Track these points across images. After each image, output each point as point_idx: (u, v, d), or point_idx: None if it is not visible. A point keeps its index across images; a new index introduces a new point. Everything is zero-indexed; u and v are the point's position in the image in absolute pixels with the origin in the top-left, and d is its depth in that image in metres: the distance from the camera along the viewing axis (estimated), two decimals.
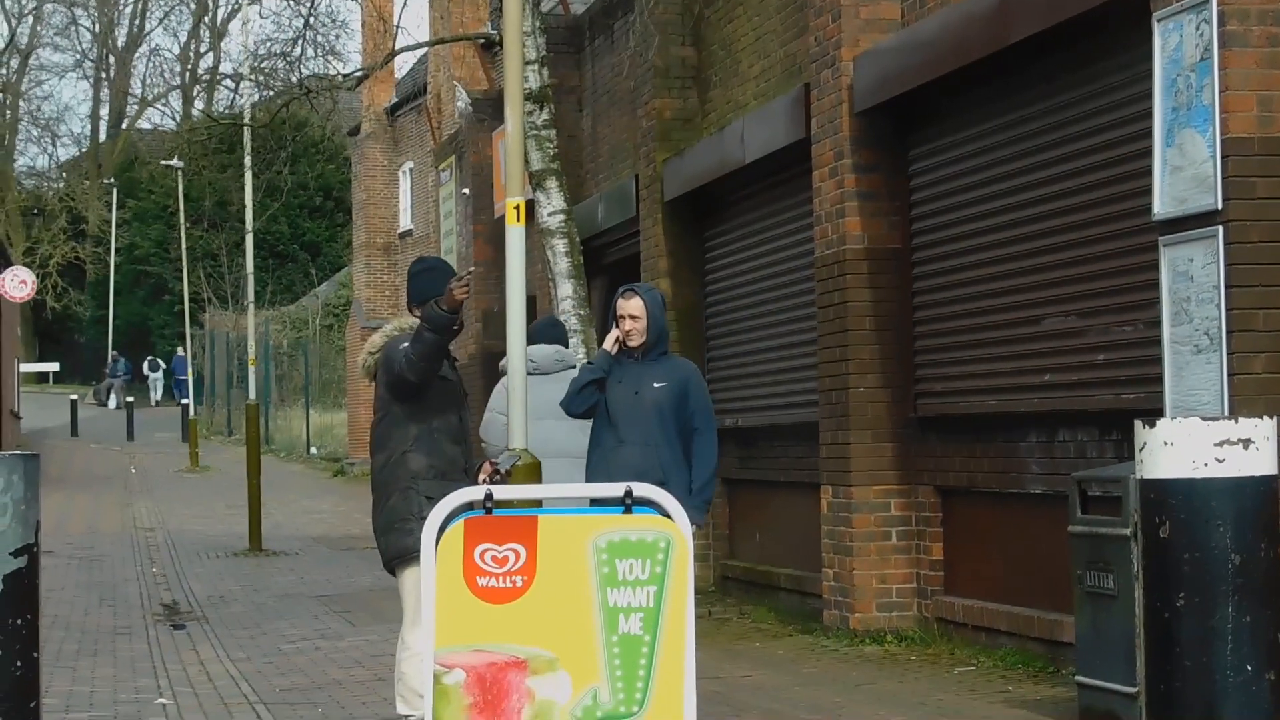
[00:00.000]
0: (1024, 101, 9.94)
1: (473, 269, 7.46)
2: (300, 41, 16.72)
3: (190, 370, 40.96)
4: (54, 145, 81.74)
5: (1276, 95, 7.78)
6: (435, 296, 7.29)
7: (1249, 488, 4.38)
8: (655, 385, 8.16)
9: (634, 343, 8.21)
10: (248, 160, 22.17)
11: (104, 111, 62.91)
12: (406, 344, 7.09)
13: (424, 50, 30.23)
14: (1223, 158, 7.73)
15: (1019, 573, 10.05)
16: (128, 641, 12.15)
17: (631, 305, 8.21)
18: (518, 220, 9.50)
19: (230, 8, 58.20)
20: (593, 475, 8.20)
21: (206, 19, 60.56)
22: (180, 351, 51.73)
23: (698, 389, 8.27)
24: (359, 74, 16.55)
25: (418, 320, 7.35)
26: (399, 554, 7.13)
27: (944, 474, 10.82)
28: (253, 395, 21.88)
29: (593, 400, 8.24)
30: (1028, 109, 9.90)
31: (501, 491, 5.44)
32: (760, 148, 12.96)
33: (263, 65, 22.13)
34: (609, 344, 8.27)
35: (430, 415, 7.23)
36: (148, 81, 65.07)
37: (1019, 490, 9.94)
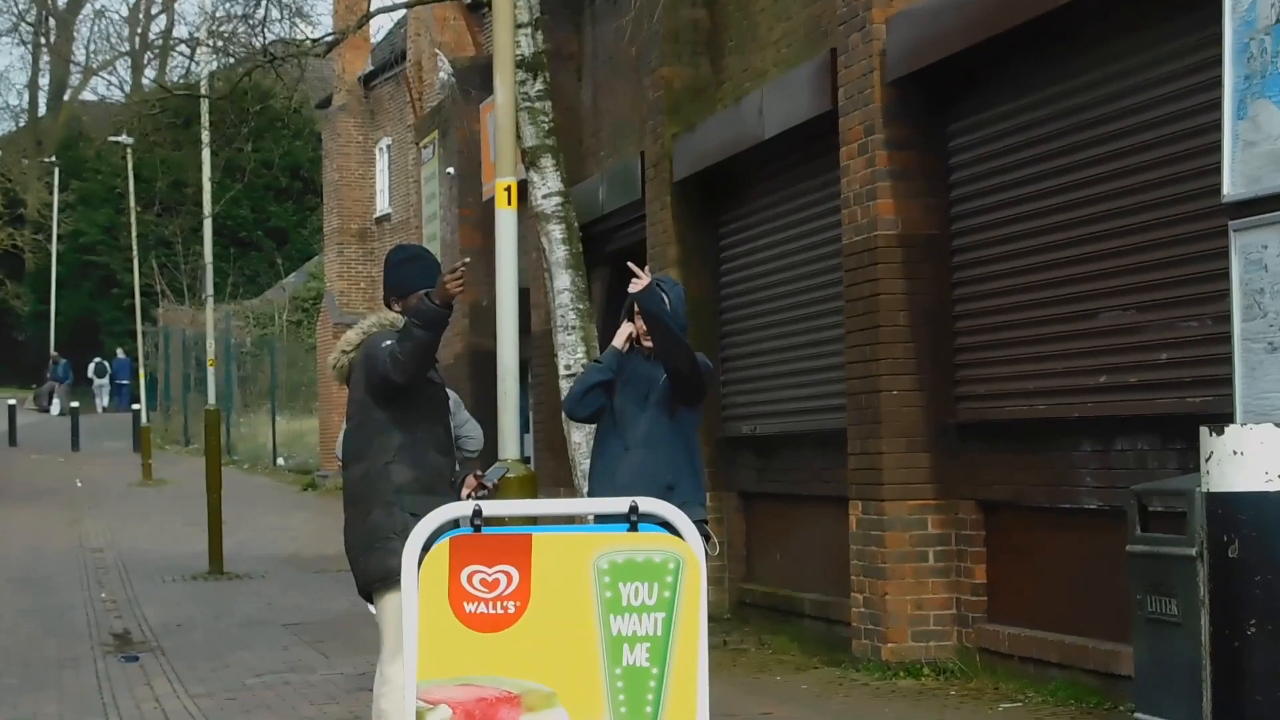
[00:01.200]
0: (1077, 69, 9.94)
1: (467, 260, 7.48)
2: (264, 2, 16.76)
3: (141, 373, 40.98)
4: None
5: None
6: (415, 289, 7.31)
7: None
8: (665, 385, 8.18)
9: (651, 342, 8.22)
10: (205, 136, 22.23)
11: (44, 81, 63.00)
12: (389, 342, 7.10)
13: (403, 12, 30.24)
14: None
15: (1071, 597, 10.06)
16: (74, 674, 12.17)
17: None
18: (509, 204, 9.52)
19: None
20: (597, 485, 8.23)
21: None
22: (121, 353, 51.73)
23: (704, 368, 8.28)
24: (330, 39, 16.57)
25: (396, 315, 7.36)
26: (380, 576, 7.14)
27: (987, 487, 10.83)
28: (212, 399, 21.93)
29: (599, 404, 8.26)
30: (1081, 77, 9.91)
31: (491, 507, 5.45)
32: (781, 122, 12.97)
33: (222, 29, 22.14)
34: (620, 340, 8.27)
35: (415, 422, 7.24)
36: (92, 47, 65.16)
37: (1071, 505, 9.95)
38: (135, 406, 40.41)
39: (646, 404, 8.18)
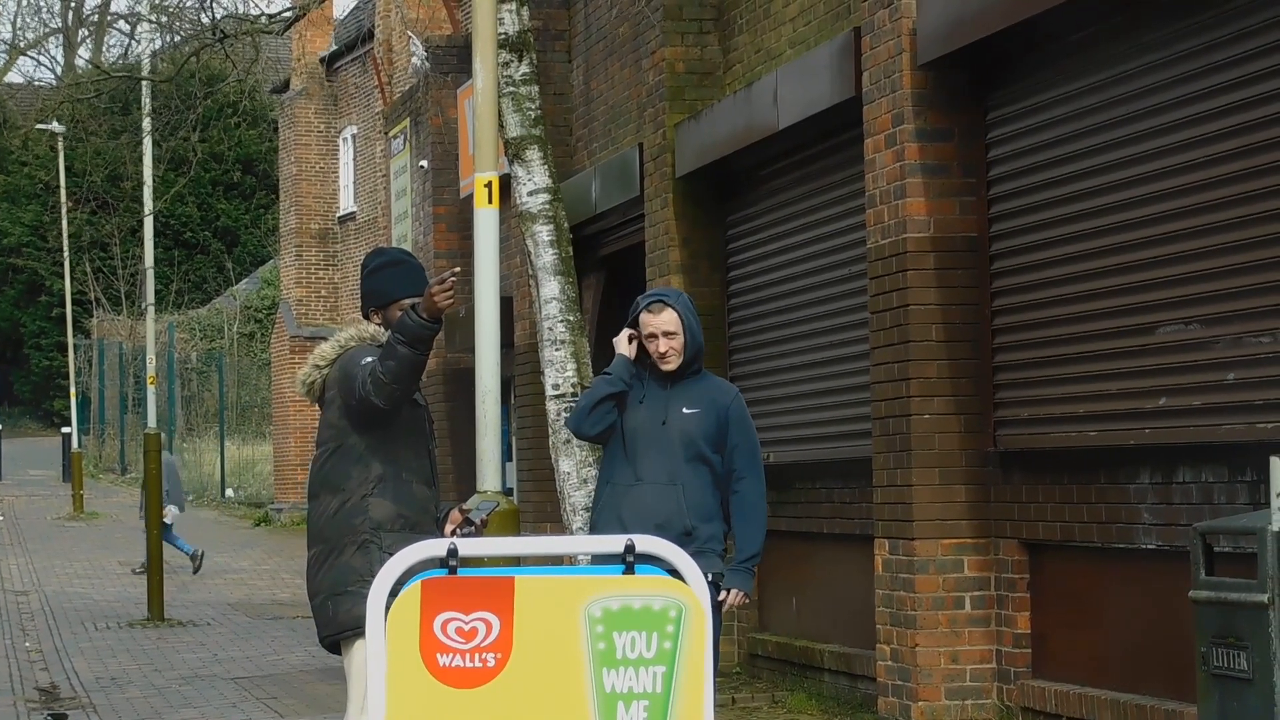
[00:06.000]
0: (1138, 49, 9.94)
1: (458, 269, 7.46)
2: None
3: (73, 391, 40.92)
4: None
5: None
6: (396, 298, 7.31)
7: None
8: (686, 411, 8.16)
9: (671, 365, 8.18)
10: (146, 124, 22.20)
11: None
12: (370, 359, 7.08)
13: None
14: None
15: (1127, 650, 10.05)
16: None
17: (665, 319, 8.17)
18: (489, 201, 9.52)
19: None
20: (601, 520, 8.19)
21: None
22: None
23: (740, 421, 8.29)
24: (288, 14, 16.61)
25: (377, 328, 7.35)
26: (351, 625, 7.12)
27: (1032, 524, 10.82)
28: (153, 422, 21.89)
29: (609, 421, 8.20)
30: (1142, 58, 9.90)
31: (469, 546, 5.44)
32: (798, 109, 12.98)
33: (166, 3, 22.18)
34: (623, 345, 8.23)
35: (398, 450, 7.23)
36: (19, 23, 65.26)
37: (1126, 545, 9.95)
38: (65, 430, 40.38)
39: (664, 430, 8.15)
